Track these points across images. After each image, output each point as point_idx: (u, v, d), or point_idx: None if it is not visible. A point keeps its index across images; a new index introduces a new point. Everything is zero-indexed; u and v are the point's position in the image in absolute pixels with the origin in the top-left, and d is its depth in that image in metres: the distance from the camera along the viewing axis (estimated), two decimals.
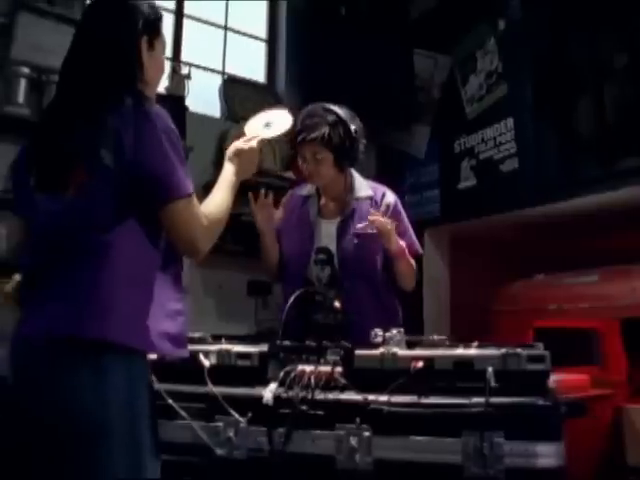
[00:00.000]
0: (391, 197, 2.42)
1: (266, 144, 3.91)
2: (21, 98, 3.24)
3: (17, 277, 2.96)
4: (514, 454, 1.50)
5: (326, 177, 2.37)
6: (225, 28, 4.39)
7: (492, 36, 3.82)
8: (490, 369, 1.58)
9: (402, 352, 1.71)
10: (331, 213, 2.43)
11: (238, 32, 4.48)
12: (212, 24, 4.35)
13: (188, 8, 4.21)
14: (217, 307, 3.88)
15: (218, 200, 1.62)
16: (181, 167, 1.47)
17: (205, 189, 3.85)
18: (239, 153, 1.74)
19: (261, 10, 4.60)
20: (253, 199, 2.34)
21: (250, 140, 1.79)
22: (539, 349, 1.67)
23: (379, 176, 4.40)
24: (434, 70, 4.20)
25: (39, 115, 3.31)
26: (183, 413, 1.78)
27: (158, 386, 1.72)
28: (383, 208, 2.32)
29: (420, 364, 1.65)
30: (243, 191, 3.61)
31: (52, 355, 1.37)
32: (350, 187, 2.43)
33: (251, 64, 4.46)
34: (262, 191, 2.35)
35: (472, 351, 1.70)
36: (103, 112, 1.44)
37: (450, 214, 4.08)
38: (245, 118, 3.93)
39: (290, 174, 3.85)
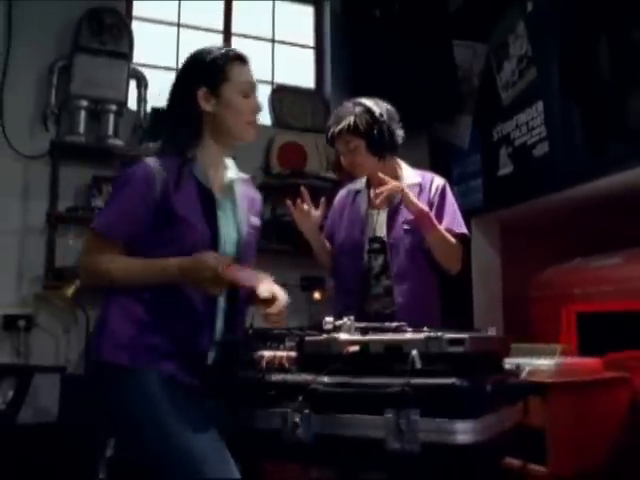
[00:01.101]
0: (440, 180, 2.47)
1: (314, 148, 4.16)
2: (82, 128, 3.72)
3: (77, 282, 3.41)
4: (429, 430, 1.59)
5: (364, 165, 2.42)
6: (272, 41, 4.66)
7: (521, 19, 3.79)
8: (414, 352, 1.70)
9: (342, 337, 1.86)
10: (381, 203, 2.37)
11: (286, 42, 4.73)
12: (260, 38, 4.63)
13: (236, 26, 4.52)
14: None
15: (130, 265, 1.70)
16: (110, 209, 1.74)
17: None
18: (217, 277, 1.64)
19: (308, 18, 4.82)
20: (292, 205, 2.38)
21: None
22: (463, 333, 1.74)
23: (432, 168, 4.49)
24: (473, 59, 4.21)
25: (96, 140, 3.80)
26: None
27: None
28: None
29: (355, 348, 1.80)
30: (284, 194, 3.89)
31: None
32: (398, 176, 2.45)
33: (301, 72, 4.69)
34: (299, 199, 2.37)
35: (401, 336, 1.82)
36: None
37: (493, 202, 4.08)
38: (293, 124, 4.28)
39: (331, 174, 4.04)
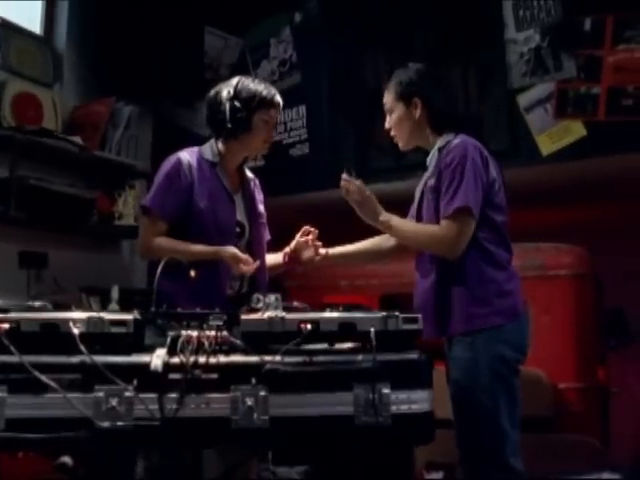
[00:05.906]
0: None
1: (51, 104, 3.60)
2: None
3: None
4: (399, 402, 1.67)
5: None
6: None
7: (288, 27, 4.00)
8: (373, 329, 1.74)
9: (289, 316, 1.77)
10: (235, 186, 2.41)
11: None
12: None
13: None
14: None
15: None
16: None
17: None
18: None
19: None
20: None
21: None
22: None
23: (156, 148, 4.31)
24: (224, 50, 4.23)
25: None
26: (54, 385, 1.62)
27: (21, 358, 1.58)
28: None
29: (308, 326, 1.75)
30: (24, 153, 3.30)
31: None
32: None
33: (25, 10, 3.96)
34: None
35: (354, 314, 1.83)
36: None
37: None
38: (23, 71, 3.63)
39: (78, 139, 3.56)
